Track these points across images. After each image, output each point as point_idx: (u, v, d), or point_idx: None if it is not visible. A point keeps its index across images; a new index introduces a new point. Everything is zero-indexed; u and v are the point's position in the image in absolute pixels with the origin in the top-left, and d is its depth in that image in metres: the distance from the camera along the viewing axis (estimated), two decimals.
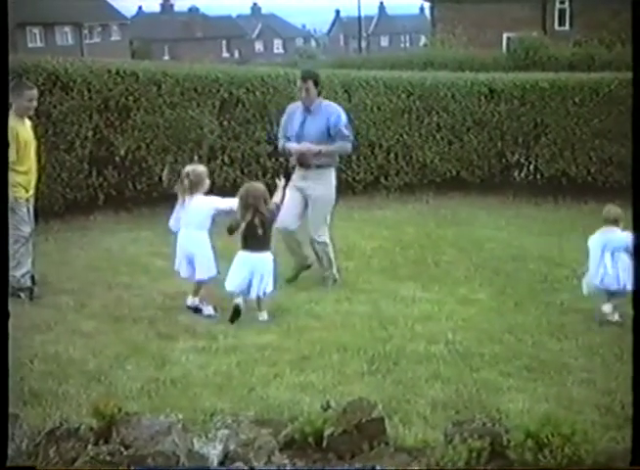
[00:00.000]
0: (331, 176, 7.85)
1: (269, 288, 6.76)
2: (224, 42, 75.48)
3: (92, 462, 3.38)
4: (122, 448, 3.49)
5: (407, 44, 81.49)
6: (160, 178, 10.92)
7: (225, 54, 73.45)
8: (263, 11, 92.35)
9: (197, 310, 6.92)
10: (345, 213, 9.13)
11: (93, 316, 6.72)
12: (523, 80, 12.61)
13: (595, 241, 7.16)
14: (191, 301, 6.97)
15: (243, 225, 6.74)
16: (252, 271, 6.71)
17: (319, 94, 7.83)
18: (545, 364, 5.81)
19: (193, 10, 75.79)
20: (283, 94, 11.70)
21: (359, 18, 57.76)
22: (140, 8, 77.74)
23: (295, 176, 7.88)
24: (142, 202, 10.66)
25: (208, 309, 6.89)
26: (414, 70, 16.07)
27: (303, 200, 7.81)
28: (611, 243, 7.01)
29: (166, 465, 3.41)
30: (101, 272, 7.94)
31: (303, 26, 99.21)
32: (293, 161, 7.94)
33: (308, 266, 7.98)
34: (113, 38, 58.98)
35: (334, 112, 7.76)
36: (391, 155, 12.40)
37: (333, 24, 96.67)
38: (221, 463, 3.65)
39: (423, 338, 6.30)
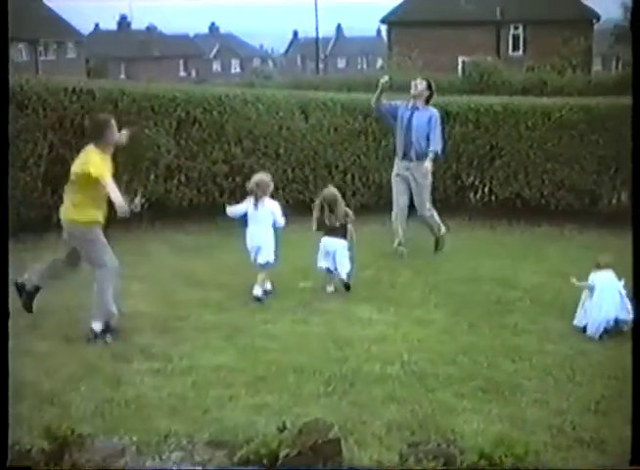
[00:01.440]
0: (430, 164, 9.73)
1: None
2: (181, 61, 75.35)
3: None
4: None
5: (364, 66, 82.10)
6: None
7: (182, 73, 73.30)
8: (221, 30, 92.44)
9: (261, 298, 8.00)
10: (302, 234, 9.14)
11: (47, 337, 6.64)
12: (477, 104, 12.77)
13: (608, 281, 7.28)
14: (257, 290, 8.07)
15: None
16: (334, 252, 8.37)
17: (427, 100, 9.92)
18: (499, 385, 5.87)
19: (150, 28, 75.57)
20: (240, 114, 11.73)
21: (317, 39, 58.19)
22: (97, 25, 77.27)
23: (397, 168, 9.99)
24: None
25: (267, 285, 8.20)
26: (371, 91, 16.21)
27: (408, 185, 9.91)
28: (617, 284, 7.25)
29: None
30: (55, 292, 7.85)
31: (261, 47, 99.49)
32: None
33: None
34: (68, 56, 58.52)
35: (435, 114, 9.83)
36: (348, 176, 12.46)
37: (290, 45, 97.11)
38: None
39: (378, 359, 6.33)
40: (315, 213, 8.49)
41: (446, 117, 12.65)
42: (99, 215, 6.87)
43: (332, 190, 8.68)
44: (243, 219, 8.32)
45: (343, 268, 8.37)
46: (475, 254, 10.35)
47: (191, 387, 5.67)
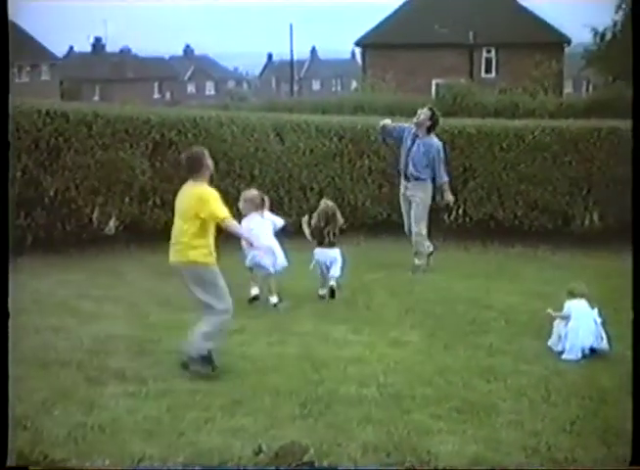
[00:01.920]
0: (427, 186, 10.49)
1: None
2: (156, 83, 75.32)
3: None
4: None
5: (338, 88, 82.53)
6: (90, 220, 10.84)
7: (157, 95, 73.26)
8: (196, 52, 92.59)
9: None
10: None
11: (20, 361, 6.56)
12: (451, 125, 12.87)
13: (583, 310, 7.36)
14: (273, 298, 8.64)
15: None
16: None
17: (430, 130, 10.51)
18: (474, 406, 5.87)
19: (125, 51, 75.54)
20: (214, 136, 11.74)
21: (291, 61, 58.48)
22: (71, 48, 77.16)
23: (402, 187, 10.76)
24: (71, 243, 10.51)
25: (274, 299, 8.61)
26: (345, 113, 16.32)
27: (409, 203, 10.60)
28: (592, 313, 7.34)
29: None
30: (29, 315, 7.77)
31: (236, 69, 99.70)
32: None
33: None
34: (42, 78, 58.38)
35: (438, 145, 10.50)
36: (324, 197, 12.48)
37: (265, 68, 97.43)
38: None
39: (354, 381, 6.33)
40: (313, 223, 9.15)
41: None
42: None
43: (331, 203, 9.38)
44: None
45: (335, 274, 9.02)
46: (449, 274, 10.39)
47: (166, 410, 5.63)
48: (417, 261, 10.57)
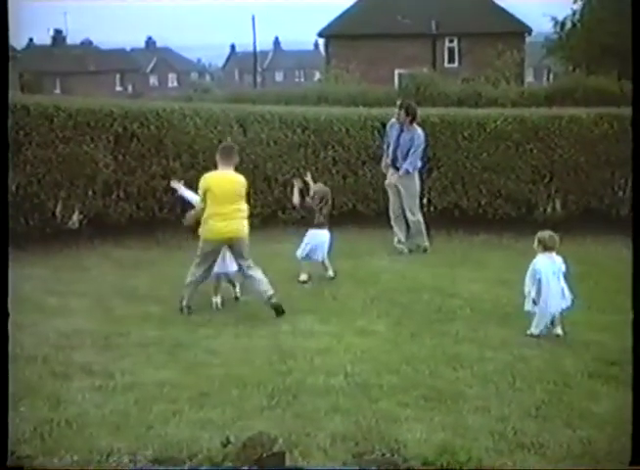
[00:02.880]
0: (415, 175, 11.11)
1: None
2: (118, 76, 74.65)
3: None
4: None
5: (302, 79, 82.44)
6: (54, 214, 10.73)
7: (118, 88, 72.61)
8: (158, 44, 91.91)
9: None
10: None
11: None
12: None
13: (546, 266, 7.48)
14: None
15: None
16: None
17: (412, 121, 10.97)
18: (441, 393, 5.92)
19: (86, 43, 74.76)
20: (178, 128, 11.67)
21: (254, 53, 58.29)
22: (31, 40, 76.07)
23: (388, 177, 11.27)
24: (34, 238, 10.40)
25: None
26: (308, 104, 16.32)
27: (398, 192, 11.11)
28: (560, 268, 7.51)
29: None
30: None
31: (199, 61, 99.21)
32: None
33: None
34: None
35: (420, 136, 10.95)
36: (288, 189, 12.45)
37: (228, 59, 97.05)
38: None
39: (322, 371, 6.34)
40: (308, 202, 9.67)
41: (383, 128, 12.80)
42: None
43: (326, 188, 9.94)
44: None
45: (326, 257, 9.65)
46: (414, 263, 10.46)
47: (133, 403, 5.60)
48: (419, 242, 11.17)
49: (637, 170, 3.84)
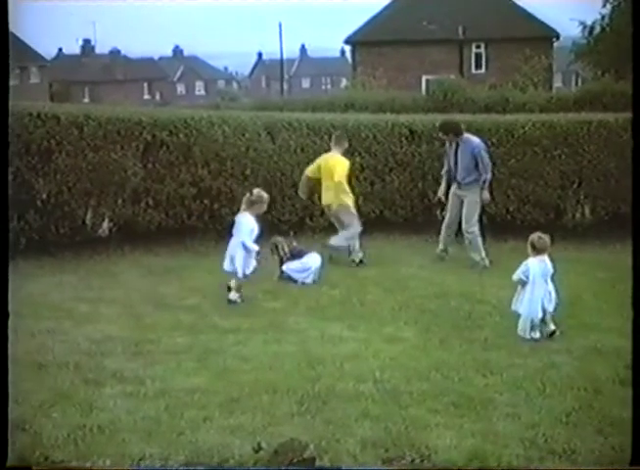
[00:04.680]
0: (477, 187, 10.79)
1: None
2: (145, 84, 75.22)
3: None
4: None
5: (328, 86, 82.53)
6: (84, 222, 10.84)
7: (146, 96, 73.17)
8: (185, 53, 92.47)
9: None
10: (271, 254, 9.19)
11: (16, 363, 6.57)
12: None
13: (535, 271, 7.56)
14: None
15: None
16: None
17: (457, 135, 10.82)
18: (471, 400, 5.91)
19: (114, 52, 75.39)
20: (206, 136, 11.74)
21: (281, 60, 58.47)
22: (60, 50, 76.99)
23: (452, 188, 11.05)
24: (65, 246, 10.51)
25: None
26: (335, 111, 16.31)
27: (458, 204, 10.95)
28: (549, 270, 7.60)
29: None
30: (23, 318, 7.77)
31: (225, 69, 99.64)
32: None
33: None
34: (32, 81, 58.18)
35: (477, 145, 10.78)
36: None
37: (255, 67, 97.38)
38: None
39: (351, 377, 6.35)
40: None
41: (411, 135, 12.81)
42: None
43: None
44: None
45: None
46: (442, 270, 10.43)
47: (164, 410, 5.65)
48: (475, 258, 10.75)
49: (637, 175, 3.82)
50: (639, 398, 3.88)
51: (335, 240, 10.55)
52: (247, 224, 8.75)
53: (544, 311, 7.54)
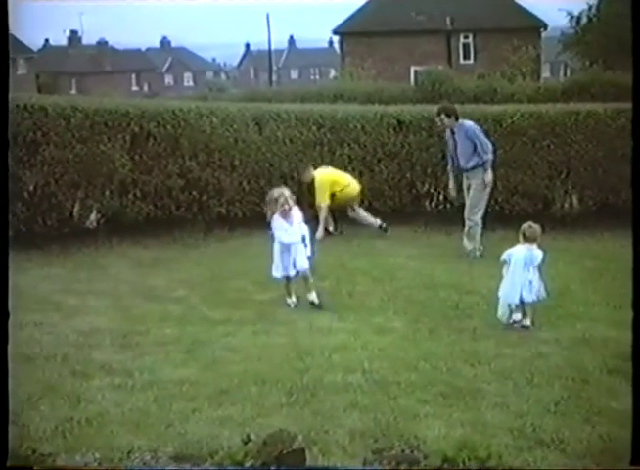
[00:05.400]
0: (481, 174, 10.62)
1: None
2: (133, 76, 74.94)
3: None
4: None
5: (317, 77, 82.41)
6: (71, 214, 10.80)
7: (134, 87, 72.92)
8: (173, 44, 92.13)
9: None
10: (261, 245, 9.15)
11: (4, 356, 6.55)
12: (430, 112, 12.83)
13: (518, 257, 7.56)
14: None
15: None
16: None
17: (456, 119, 10.68)
18: (460, 390, 5.92)
19: (101, 43, 75.05)
20: (194, 127, 11.71)
21: (269, 51, 58.34)
22: (47, 41, 76.58)
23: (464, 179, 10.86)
24: (52, 238, 10.47)
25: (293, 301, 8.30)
26: (324, 102, 16.30)
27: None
28: (535, 259, 7.55)
29: None
30: (11, 311, 7.75)
31: (214, 60, 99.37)
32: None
33: None
34: (19, 72, 57.82)
35: (469, 127, 10.62)
36: (304, 187, 12.49)
37: (243, 58, 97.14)
38: None
39: (340, 368, 6.35)
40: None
41: (399, 126, 12.80)
42: None
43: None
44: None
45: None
46: (431, 260, 10.44)
47: (153, 401, 5.64)
48: (467, 246, 10.71)
49: (637, 166, 3.82)
50: (639, 397, 3.88)
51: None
52: (276, 228, 8.30)
53: (521, 301, 7.53)
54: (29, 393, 5.71)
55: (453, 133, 10.73)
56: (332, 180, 11.84)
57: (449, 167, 11.14)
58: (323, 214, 11.65)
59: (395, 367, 6.40)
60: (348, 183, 11.96)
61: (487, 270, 9.84)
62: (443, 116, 10.73)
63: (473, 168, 10.63)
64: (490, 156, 10.67)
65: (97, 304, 8.29)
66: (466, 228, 10.77)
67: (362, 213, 12.03)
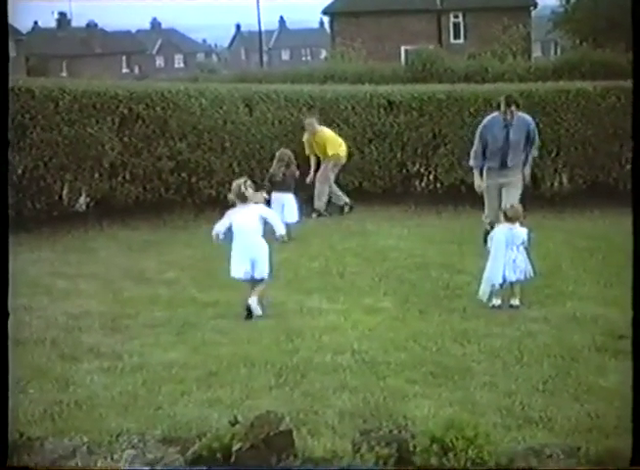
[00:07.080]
0: (520, 169, 9.81)
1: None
2: (124, 58, 74.47)
3: None
4: None
5: (308, 58, 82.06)
6: (60, 197, 10.75)
7: (125, 69, 72.45)
8: (163, 26, 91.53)
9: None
10: None
11: None
12: (420, 92, 12.85)
13: (499, 237, 7.57)
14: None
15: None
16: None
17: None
18: (449, 370, 5.93)
19: (91, 25, 74.47)
20: (183, 109, 11.65)
21: (260, 32, 57.94)
22: (36, 23, 75.90)
23: (494, 175, 9.75)
24: (42, 221, 10.43)
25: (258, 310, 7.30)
26: (314, 83, 16.23)
27: (499, 190, 9.74)
28: (517, 238, 7.54)
29: None
30: None
31: (204, 41, 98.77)
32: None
33: None
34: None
35: (531, 121, 9.81)
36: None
37: (234, 39, 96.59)
38: None
39: (329, 349, 6.35)
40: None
41: (389, 106, 12.75)
42: None
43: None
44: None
45: (292, 218, 10.25)
46: (422, 240, 10.44)
47: (142, 384, 5.63)
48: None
49: (638, 143, 3.80)
50: (639, 396, 3.88)
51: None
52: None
53: (505, 280, 7.52)
54: (18, 376, 5.68)
55: (506, 126, 9.61)
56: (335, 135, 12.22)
57: (475, 162, 9.86)
58: (334, 163, 12.14)
59: (385, 347, 6.41)
60: (341, 142, 12.15)
61: (478, 250, 9.84)
62: (514, 107, 9.54)
63: (513, 166, 9.70)
64: (537, 152, 10.17)
65: (87, 287, 8.28)
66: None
67: (336, 189, 12.31)
